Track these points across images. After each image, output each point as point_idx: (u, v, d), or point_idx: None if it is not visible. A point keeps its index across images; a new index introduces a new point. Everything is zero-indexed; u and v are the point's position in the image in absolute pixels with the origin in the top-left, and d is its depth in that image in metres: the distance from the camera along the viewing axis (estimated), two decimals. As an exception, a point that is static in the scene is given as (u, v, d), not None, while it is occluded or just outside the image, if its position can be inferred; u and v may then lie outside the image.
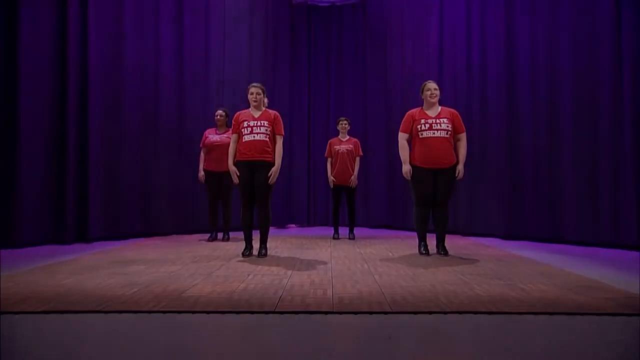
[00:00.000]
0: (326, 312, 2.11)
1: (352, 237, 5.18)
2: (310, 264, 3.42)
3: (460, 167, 3.80)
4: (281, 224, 6.99)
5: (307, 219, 7.24)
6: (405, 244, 4.71)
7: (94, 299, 2.35)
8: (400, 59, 6.61)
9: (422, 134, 3.75)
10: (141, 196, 5.52)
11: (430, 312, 2.10)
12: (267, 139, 3.73)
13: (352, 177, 5.05)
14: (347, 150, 5.07)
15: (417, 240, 4.01)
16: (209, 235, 5.06)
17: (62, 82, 4.93)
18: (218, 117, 4.99)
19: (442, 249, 3.86)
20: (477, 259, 3.64)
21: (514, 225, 5.15)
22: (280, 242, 4.86)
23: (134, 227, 5.42)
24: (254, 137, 3.69)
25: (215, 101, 6.22)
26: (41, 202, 4.75)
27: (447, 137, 3.73)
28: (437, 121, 3.73)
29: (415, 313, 2.10)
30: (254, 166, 3.72)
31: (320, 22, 7.45)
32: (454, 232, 5.78)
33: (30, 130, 4.68)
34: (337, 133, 5.44)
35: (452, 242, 4.80)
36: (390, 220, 6.75)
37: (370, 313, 2.10)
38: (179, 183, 5.77)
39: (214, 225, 5.03)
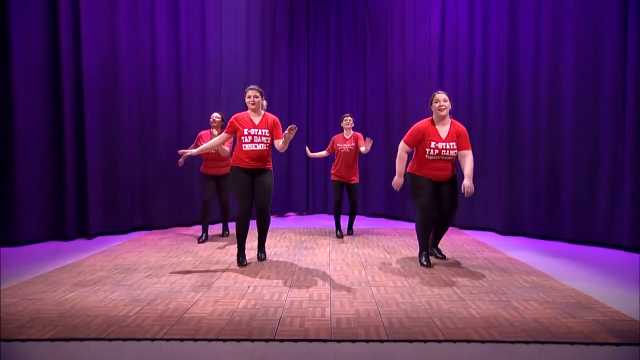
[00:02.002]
0: (324, 340, 2.18)
1: (350, 232, 5.23)
2: (309, 272, 3.48)
3: (467, 183, 3.50)
4: (281, 213, 7.06)
5: (307, 207, 7.30)
6: (402, 242, 4.77)
7: (99, 320, 2.41)
8: (401, 49, 6.50)
9: (428, 157, 3.60)
10: (140, 190, 5.55)
11: (424, 341, 2.17)
12: (267, 148, 3.72)
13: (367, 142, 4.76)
14: (349, 149, 5.03)
15: (412, 237, 4.05)
16: (200, 236, 4.87)
17: (57, 78, 4.86)
18: (214, 118, 4.87)
19: (437, 252, 3.95)
20: (472, 265, 3.71)
21: (511, 221, 5.21)
22: (280, 239, 4.92)
23: (134, 221, 5.47)
24: (255, 146, 3.65)
25: (212, 92, 6.16)
26: (41, 199, 4.78)
27: (452, 160, 3.65)
28: (447, 147, 3.55)
29: (410, 341, 2.16)
30: (254, 173, 3.72)
31: (320, 10, 7.28)
32: (452, 224, 5.86)
33: (27, 128, 4.66)
34: (337, 128, 5.39)
35: (450, 238, 4.89)
36: (388, 210, 6.81)
37: (367, 341, 2.17)
38: (177, 176, 5.78)
39: (206, 226, 4.92)
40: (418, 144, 3.65)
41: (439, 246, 4.11)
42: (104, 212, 5.20)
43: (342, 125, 5.18)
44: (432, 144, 3.56)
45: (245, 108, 3.82)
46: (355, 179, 5.11)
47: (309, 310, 2.59)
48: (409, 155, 3.80)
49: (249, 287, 3.06)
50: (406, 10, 6.40)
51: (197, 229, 5.59)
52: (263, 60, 6.68)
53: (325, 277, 3.34)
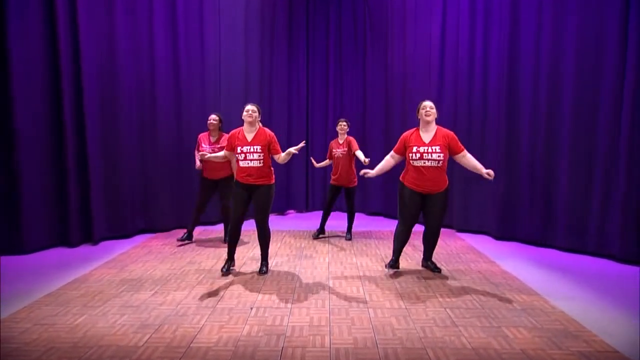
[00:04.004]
0: (324, 376, 2.32)
1: (349, 237, 5.36)
2: (309, 289, 3.61)
3: (486, 171, 3.72)
4: (281, 211, 7.17)
5: (306, 205, 7.41)
6: (400, 248, 4.89)
7: (110, 351, 2.55)
8: (401, 48, 6.48)
9: (413, 162, 3.79)
10: (142, 194, 5.63)
11: (418, 378, 2.31)
12: (261, 164, 3.83)
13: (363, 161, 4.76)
14: (342, 154, 5.14)
15: (408, 244, 4.29)
16: (183, 235, 5.06)
17: (56, 86, 4.89)
18: (211, 121, 4.91)
19: (432, 265, 4.08)
20: (466, 281, 3.84)
21: (506, 226, 5.33)
22: (281, 245, 5.05)
23: (137, 225, 5.58)
24: (248, 163, 3.81)
25: (212, 92, 6.16)
26: (45, 207, 4.86)
27: (438, 166, 3.74)
28: (429, 150, 3.71)
29: (405, 378, 2.31)
30: (251, 188, 3.88)
31: (320, 10, 7.22)
32: (449, 226, 6.00)
33: (29, 133, 4.70)
34: (334, 131, 5.47)
35: (446, 244, 5.03)
36: (385, 209, 6.93)
37: (364, 378, 2.31)
38: (178, 179, 5.85)
39: (193, 227, 5.10)
40: (404, 150, 3.88)
41: (434, 259, 4.25)
42: (107, 217, 5.30)
43: (337, 130, 5.26)
44: (414, 149, 3.77)
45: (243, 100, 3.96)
46: (354, 182, 5.24)
47: (309, 338, 2.73)
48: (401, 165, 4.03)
49: (251, 308, 3.20)
50: (407, 9, 6.34)
51: (199, 231, 5.72)
52: (262, 61, 6.65)
53: (324, 295, 3.47)
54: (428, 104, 3.83)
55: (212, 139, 4.98)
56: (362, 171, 3.97)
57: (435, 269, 4.05)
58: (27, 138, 4.68)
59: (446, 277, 3.93)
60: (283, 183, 7.07)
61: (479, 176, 5.53)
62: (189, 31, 5.86)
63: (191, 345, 2.64)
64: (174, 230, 5.78)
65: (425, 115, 3.79)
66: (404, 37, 6.40)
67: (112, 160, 5.32)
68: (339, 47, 7.19)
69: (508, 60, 5.23)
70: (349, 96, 7.21)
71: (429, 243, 4.04)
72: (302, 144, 3.86)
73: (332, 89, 7.23)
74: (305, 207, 7.39)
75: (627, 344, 2.65)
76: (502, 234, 5.36)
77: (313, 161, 5.60)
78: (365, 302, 3.33)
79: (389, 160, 3.99)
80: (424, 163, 3.74)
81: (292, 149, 3.76)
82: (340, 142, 5.24)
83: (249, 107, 3.88)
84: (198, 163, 5.10)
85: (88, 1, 4.99)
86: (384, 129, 6.76)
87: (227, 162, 4.96)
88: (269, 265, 4.24)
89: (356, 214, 7.04)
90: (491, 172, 3.71)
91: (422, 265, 4.21)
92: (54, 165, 4.94)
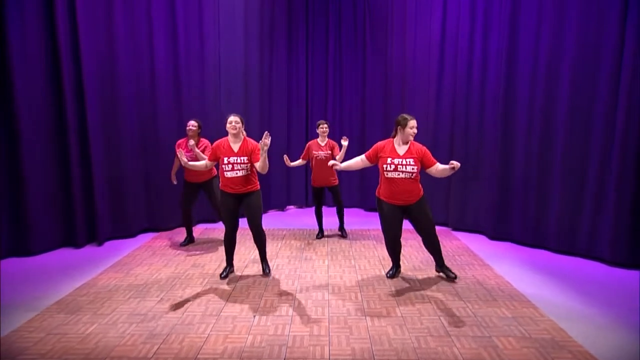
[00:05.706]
0: (324, 389, 2.47)
1: (344, 235, 5.49)
2: (309, 296, 3.76)
3: (452, 164, 3.54)
4: (281, 207, 7.30)
5: (305, 201, 7.53)
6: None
7: (121, 363, 2.70)
8: (401, 47, 6.50)
9: (387, 174, 3.84)
10: (145, 194, 5.74)
11: (412, 391, 2.46)
12: (248, 173, 3.93)
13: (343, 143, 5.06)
14: (325, 156, 5.22)
15: (405, 246, 4.35)
16: (184, 240, 5.23)
17: (57, 88, 4.95)
18: (190, 127, 4.90)
19: (447, 272, 4.12)
20: (461, 287, 3.98)
21: (501, 226, 5.47)
22: (281, 247, 5.18)
23: (141, 224, 5.71)
24: (236, 173, 3.88)
25: (212, 92, 6.20)
26: (50, 208, 4.98)
27: (411, 178, 3.79)
28: (403, 162, 3.76)
29: (399, 391, 2.46)
30: (240, 196, 3.98)
31: (319, 10, 7.21)
32: (445, 224, 6.15)
33: (31, 138, 4.78)
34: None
35: (442, 245, 5.11)
36: (384, 205, 7.05)
37: (361, 391, 2.46)
38: (179, 178, 5.93)
39: (190, 229, 5.23)
40: (376, 160, 3.93)
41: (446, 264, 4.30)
42: (111, 217, 5.42)
43: (317, 131, 5.30)
44: (389, 160, 3.83)
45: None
46: (335, 181, 5.35)
47: (310, 349, 2.88)
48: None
49: (254, 316, 3.34)
50: (407, 9, 6.33)
51: (200, 231, 5.85)
52: (262, 61, 6.67)
53: (324, 302, 3.61)
54: (416, 123, 3.85)
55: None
56: (331, 162, 4.09)
57: (450, 277, 4.09)
58: (30, 140, 4.76)
59: (441, 282, 4.07)
60: (283, 179, 7.18)
61: (475, 175, 5.74)
62: (188, 31, 5.88)
63: (198, 356, 2.79)
64: (176, 229, 5.92)
65: (412, 135, 3.83)
66: (403, 37, 6.42)
67: (115, 160, 5.42)
68: (339, 47, 7.20)
69: (506, 61, 5.26)
70: (349, 96, 7.25)
71: (431, 249, 4.07)
72: (265, 135, 3.63)
73: (331, 88, 7.26)
74: (304, 202, 7.52)
75: (611, 355, 2.81)
76: (496, 234, 5.50)
77: (287, 160, 5.08)
78: (363, 310, 3.48)
79: (358, 162, 4.05)
80: (398, 175, 3.79)
81: (261, 142, 3.63)
82: (322, 144, 5.29)
83: (232, 119, 3.90)
84: (173, 177, 5.18)
85: (88, 1, 4.99)
86: (383, 128, 6.83)
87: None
88: (270, 266, 4.38)
89: (355, 210, 7.22)
90: (456, 164, 3.56)
91: (436, 271, 4.24)
92: (58, 166, 5.03)
